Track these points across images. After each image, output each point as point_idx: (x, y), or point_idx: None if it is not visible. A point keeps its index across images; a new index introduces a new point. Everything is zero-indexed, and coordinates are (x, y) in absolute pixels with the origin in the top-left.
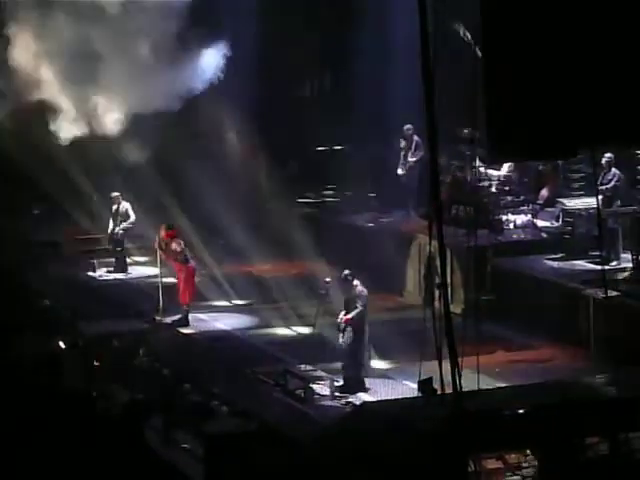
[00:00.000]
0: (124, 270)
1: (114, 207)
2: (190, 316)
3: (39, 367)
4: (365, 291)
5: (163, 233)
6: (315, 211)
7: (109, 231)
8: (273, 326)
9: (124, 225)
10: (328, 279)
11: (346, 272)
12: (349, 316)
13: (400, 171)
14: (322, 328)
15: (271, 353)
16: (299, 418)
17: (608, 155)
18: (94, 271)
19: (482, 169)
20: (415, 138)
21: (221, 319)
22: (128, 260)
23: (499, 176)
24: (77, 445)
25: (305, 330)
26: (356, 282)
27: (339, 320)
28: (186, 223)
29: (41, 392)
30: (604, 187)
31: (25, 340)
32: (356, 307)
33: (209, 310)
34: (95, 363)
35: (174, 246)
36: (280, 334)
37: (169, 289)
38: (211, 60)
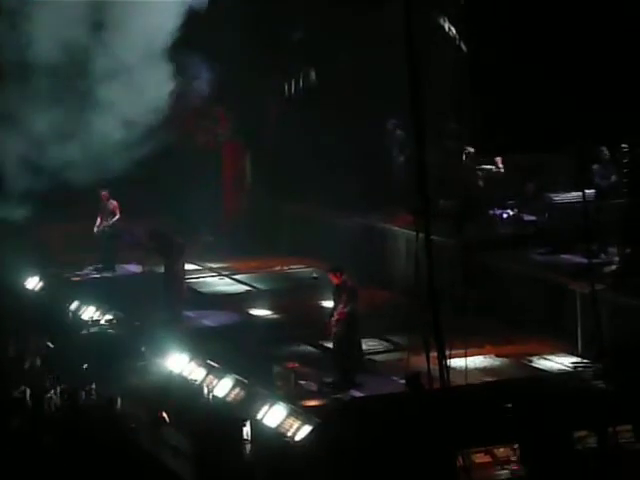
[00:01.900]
0: (111, 268)
1: (102, 204)
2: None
3: (33, 365)
4: (354, 286)
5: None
6: (302, 207)
7: (95, 229)
8: (263, 322)
9: (111, 222)
10: (315, 275)
11: (334, 267)
12: (343, 311)
13: (387, 166)
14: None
15: (261, 350)
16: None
17: (605, 150)
18: (80, 269)
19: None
20: (398, 132)
21: (209, 316)
22: (115, 257)
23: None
24: (67, 442)
25: (295, 327)
26: (344, 277)
27: (332, 316)
28: (172, 220)
29: (31, 388)
30: (604, 181)
31: (18, 340)
32: (345, 302)
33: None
34: (84, 365)
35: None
36: (271, 331)
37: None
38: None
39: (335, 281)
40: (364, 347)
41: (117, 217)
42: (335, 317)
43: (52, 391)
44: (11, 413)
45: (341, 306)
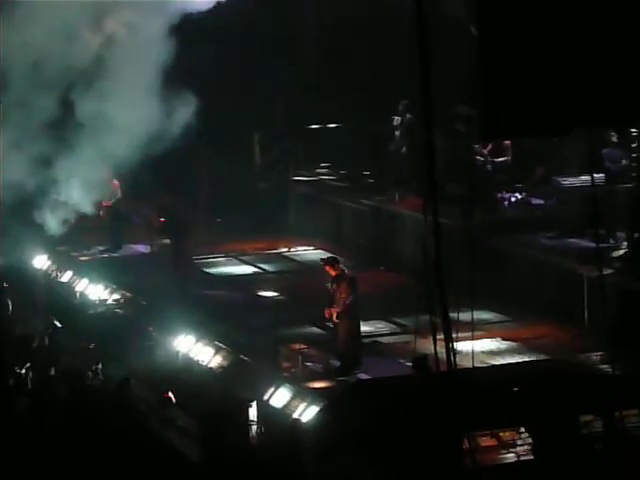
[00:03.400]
0: (118, 248)
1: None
2: None
3: (41, 345)
4: (353, 275)
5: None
6: (310, 189)
7: (100, 210)
8: (270, 304)
9: (112, 202)
10: (324, 257)
11: (328, 259)
12: (345, 303)
13: (394, 148)
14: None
15: (268, 331)
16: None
17: (613, 133)
18: (88, 249)
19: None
20: (407, 115)
21: (216, 297)
22: (121, 237)
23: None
24: (72, 423)
25: (302, 309)
26: (342, 267)
27: (331, 306)
28: (181, 201)
29: (37, 368)
30: (614, 165)
31: (26, 320)
32: (347, 293)
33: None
34: (90, 345)
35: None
36: (278, 312)
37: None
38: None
39: (332, 273)
40: (371, 329)
41: (118, 196)
42: (337, 309)
43: (58, 371)
44: (17, 393)
45: (343, 297)
